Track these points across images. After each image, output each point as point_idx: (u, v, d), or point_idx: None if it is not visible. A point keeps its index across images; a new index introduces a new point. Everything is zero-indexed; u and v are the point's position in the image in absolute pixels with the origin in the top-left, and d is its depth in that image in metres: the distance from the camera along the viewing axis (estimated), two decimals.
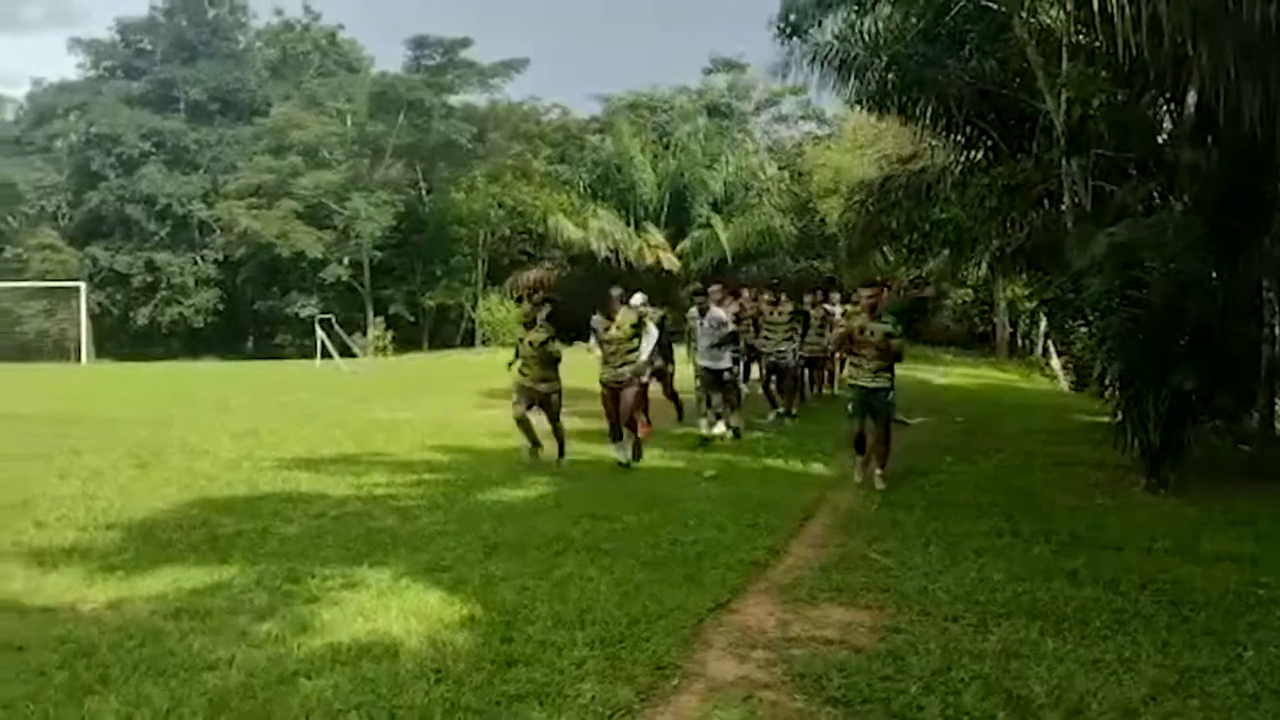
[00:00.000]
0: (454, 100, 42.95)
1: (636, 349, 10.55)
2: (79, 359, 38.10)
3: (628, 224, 35.39)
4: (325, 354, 29.33)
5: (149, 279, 42.37)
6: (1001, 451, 12.27)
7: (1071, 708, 4.38)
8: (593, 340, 11.57)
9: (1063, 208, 12.00)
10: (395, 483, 9.56)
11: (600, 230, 34.25)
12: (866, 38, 12.97)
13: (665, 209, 36.08)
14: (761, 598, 5.99)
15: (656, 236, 34.94)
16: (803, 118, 43.82)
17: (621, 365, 10.55)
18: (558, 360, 10.60)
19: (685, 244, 35.00)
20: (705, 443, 12.41)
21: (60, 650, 4.91)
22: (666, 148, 37.93)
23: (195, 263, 43.27)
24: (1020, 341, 33.45)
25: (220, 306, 43.63)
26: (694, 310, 13.48)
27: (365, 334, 38.76)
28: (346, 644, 4.97)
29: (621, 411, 10.62)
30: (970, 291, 32.51)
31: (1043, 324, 29.59)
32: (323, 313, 35.81)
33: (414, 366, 31.09)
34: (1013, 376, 27.41)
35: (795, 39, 13.59)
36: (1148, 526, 8.15)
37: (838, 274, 28.40)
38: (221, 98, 46.22)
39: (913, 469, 10.63)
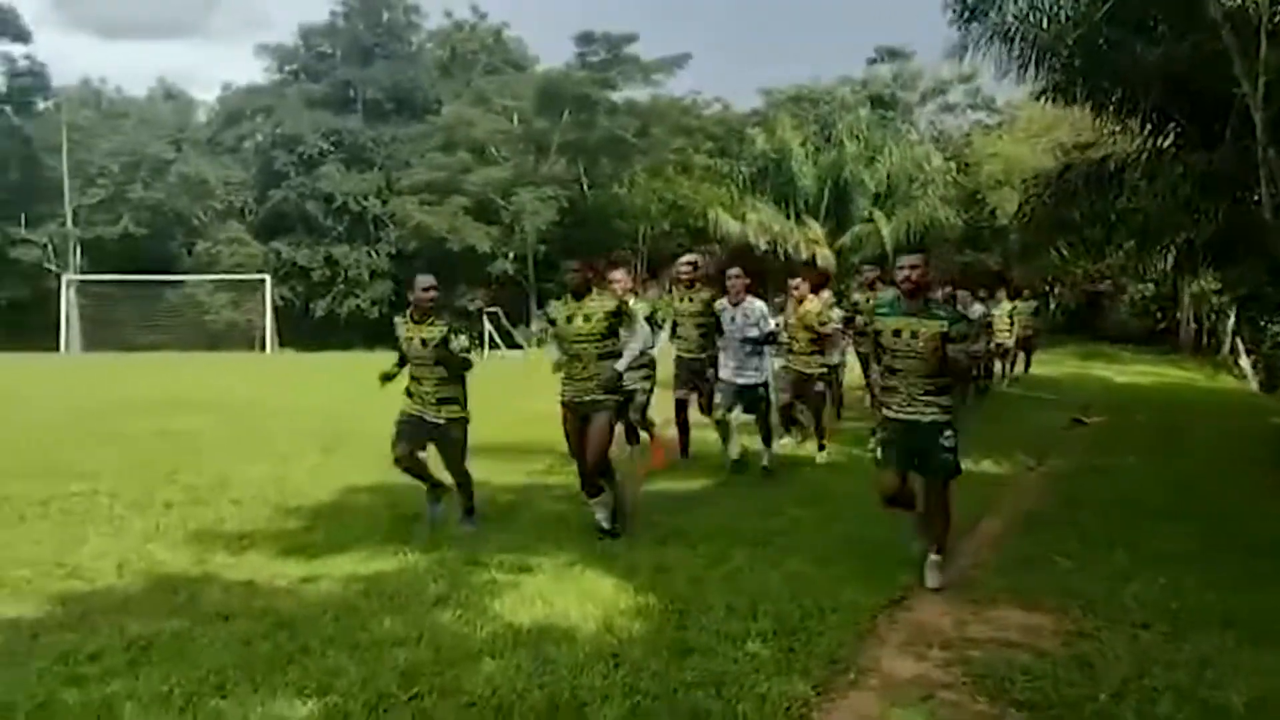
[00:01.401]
0: (616, 96, 43.34)
1: (612, 353, 7.18)
2: (264, 349, 40.15)
3: (787, 218, 35.03)
4: (492, 345, 30.08)
5: (328, 272, 44.22)
6: (1187, 453, 11.70)
7: None
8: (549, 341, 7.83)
9: (1258, 199, 11.32)
10: (563, 470, 9.70)
11: (759, 223, 34.01)
12: (1049, 20, 12.48)
13: (826, 202, 35.57)
14: (937, 596, 5.88)
15: (815, 230, 34.46)
16: (971, 106, 42.61)
17: (588, 378, 7.11)
18: (465, 368, 7.54)
19: (845, 239, 34.43)
20: (769, 472, 9.73)
21: (262, 621, 5.21)
22: (828, 140, 37.34)
23: (370, 256, 44.92)
24: (1205, 339, 31.73)
25: (393, 298, 45.12)
26: (723, 301, 9.71)
27: (529, 326, 39.62)
28: (526, 626, 5.12)
29: (590, 450, 7.13)
30: (1151, 286, 31.00)
31: (1231, 320, 28.06)
32: (489, 305, 36.81)
33: None
34: (1196, 375, 26.05)
35: (972, 22, 13.14)
36: None
37: (1006, 269, 27.48)
38: (396, 97, 47.79)
39: (1094, 469, 10.23)
